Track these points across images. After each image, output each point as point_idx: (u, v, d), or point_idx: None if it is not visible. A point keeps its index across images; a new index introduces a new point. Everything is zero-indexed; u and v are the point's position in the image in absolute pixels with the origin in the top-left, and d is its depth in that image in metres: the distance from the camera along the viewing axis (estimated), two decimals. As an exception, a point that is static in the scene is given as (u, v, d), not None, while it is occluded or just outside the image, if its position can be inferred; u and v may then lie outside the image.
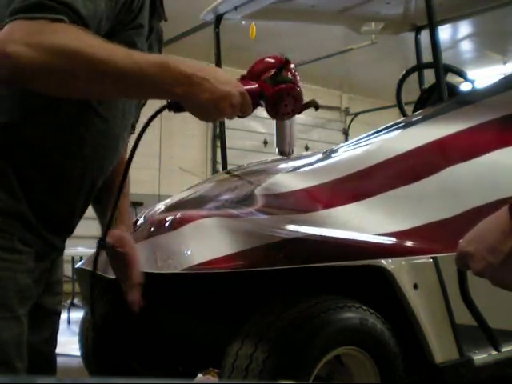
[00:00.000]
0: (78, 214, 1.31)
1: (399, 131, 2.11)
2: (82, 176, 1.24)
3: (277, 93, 1.19)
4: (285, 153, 1.35)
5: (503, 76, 2.18)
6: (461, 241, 0.97)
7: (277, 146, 1.35)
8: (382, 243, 1.71)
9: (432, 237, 1.75)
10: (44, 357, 1.38)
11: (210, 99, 1.07)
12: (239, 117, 1.18)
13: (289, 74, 1.22)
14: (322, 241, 1.70)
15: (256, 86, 1.19)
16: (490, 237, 0.91)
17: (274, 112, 1.22)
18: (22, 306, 1.15)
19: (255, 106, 1.19)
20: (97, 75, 1.00)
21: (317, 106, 1.28)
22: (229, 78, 1.13)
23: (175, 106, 1.15)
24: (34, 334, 1.25)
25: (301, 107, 1.24)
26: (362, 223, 1.76)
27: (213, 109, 1.08)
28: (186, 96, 1.06)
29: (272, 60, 1.25)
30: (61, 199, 1.23)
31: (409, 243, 1.73)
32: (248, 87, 1.16)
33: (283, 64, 1.21)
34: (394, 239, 1.72)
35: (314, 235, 1.71)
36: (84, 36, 0.99)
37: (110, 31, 1.13)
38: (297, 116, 1.31)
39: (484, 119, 1.96)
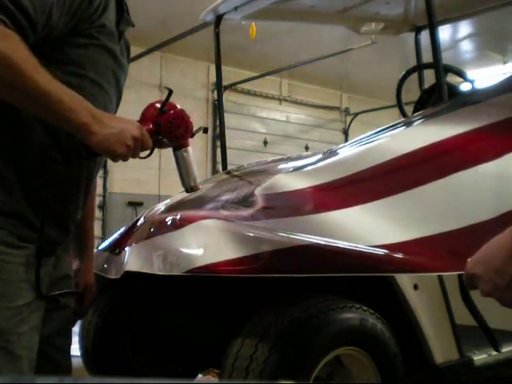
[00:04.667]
0: (80, 207, 1.38)
1: (402, 131, 2.10)
2: (80, 169, 1.32)
3: (170, 117, 1.35)
4: (193, 188, 1.48)
5: (507, 76, 2.14)
6: (468, 261, 0.97)
7: (182, 183, 1.49)
8: (389, 256, 1.68)
9: (436, 251, 1.71)
10: (58, 348, 1.45)
11: (113, 133, 1.17)
12: (142, 157, 1.31)
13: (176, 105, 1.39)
14: (327, 250, 1.68)
15: (151, 125, 1.33)
16: (495, 259, 0.92)
17: (171, 136, 1.38)
18: (21, 297, 1.20)
19: (156, 142, 1.34)
20: (18, 88, 1.08)
21: (205, 130, 1.48)
22: (126, 119, 1.25)
23: (84, 153, 1.24)
24: (46, 327, 1.30)
25: (192, 131, 1.42)
26: (364, 230, 1.73)
27: (116, 142, 1.18)
28: (90, 131, 1.15)
29: (157, 102, 1.39)
30: (64, 193, 1.30)
31: (414, 258, 1.68)
32: (145, 127, 1.29)
33: (168, 94, 1.36)
34: (399, 251, 1.68)
35: (318, 244, 1.68)
36: (20, 48, 1.07)
37: (73, 28, 1.21)
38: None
39: (489, 121, 1.92)
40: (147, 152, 1.33)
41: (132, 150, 1.22)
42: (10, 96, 1.11)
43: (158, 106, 1.37)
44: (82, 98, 1.16)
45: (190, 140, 1.46)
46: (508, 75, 2.14)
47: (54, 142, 1.25)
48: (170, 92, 1.36)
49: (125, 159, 1.24)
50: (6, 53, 1.04)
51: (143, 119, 1.35)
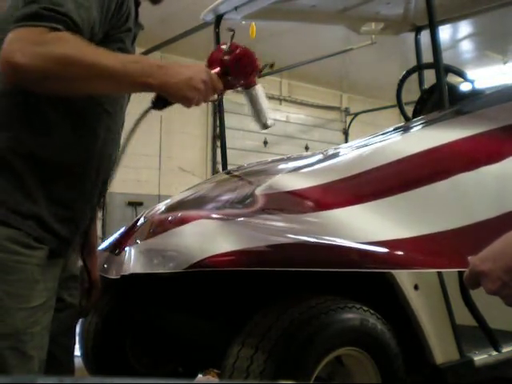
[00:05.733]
0: (94, 209, 1.38)
1: (405, 135, 2.10)
2: (98, 169, 1.34)
3: (236, 56, 1.39)
4: (265, 125, 1.52)
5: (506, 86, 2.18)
6: (471, 258, 0.96)
7: (255, 121, 1.53)
8: (387, 253, 1.68)
9: (437, 248, 1.72)
10: (63, 348, 1.47)
11: (182, 80, 1.24)
12: (213, 101, 1.38)
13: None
14: (324, 246, 1.68)
15: (218, 68, 1.37)
16: (505, 256, 0.90)
17: (239, 75, 1.41)
18: (36, 298, 1.22)
19: (226, 84, 1.38)
20: (91, 77, 1.15)
21: (272, 65, 1.52)
22: (193, 64, 1.33)
23: (158, 103, 1.31)
24: (52, 326, 1.30)
25: (259, 68, 1.45)
26: (364, 227, 1.73)
27: (187, 88, 1.25)
28: (160, 86, 1.22)
29: (222, 44, 1.45)
30: (80, 193, 1.32)
31: (413, 254, 1.69)
32: (212, 71, 1.34)
33: (232, 35, 1.42)
34: (398, 248, 1.69)
35: (316, 240, 1.69)
36: (78, 43, 1.13)
37: (105, 34, 1.26)
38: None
39: (490, 127, 1.94)
40: (216, 96, 1.38)
41: (203, 93, 1.28)
42: (86, 87, 1.18)
43: (223, 47, 1.42)
44: (145, 57, 1.23)
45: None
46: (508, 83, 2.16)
47: (73, 144, 1.26)
48: (233, 31, 1.44)
49: (197, 103, 1.30)
50: (68, 53, 1.10)
51: (210, 63, 1.40)
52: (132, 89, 1.25)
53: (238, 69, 1.40)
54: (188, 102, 1.27)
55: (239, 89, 1.50)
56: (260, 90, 1.49)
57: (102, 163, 1.35)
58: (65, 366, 1.47)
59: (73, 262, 1.49)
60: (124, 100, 1.42)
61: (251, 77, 1.44)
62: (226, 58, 1.39)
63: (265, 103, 1.51)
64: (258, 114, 1.51)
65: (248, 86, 1.47)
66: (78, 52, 1.12)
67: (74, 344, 1.54)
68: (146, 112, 1.34)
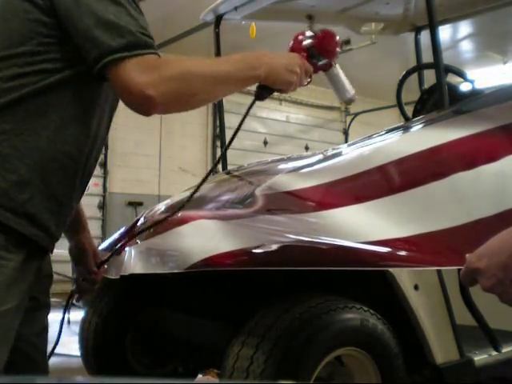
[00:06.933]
0: (76, 201, 1.38)
1: (405, 134, 2.11)
2: (85, 164, 1.32)
3: (321, 38, 1.52)
4: (350, 100, 1.62)
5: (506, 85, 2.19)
6: (468, 255, 0.96)
7: (340, 99, 1.64)
8: (386, 251, 1.69)
9: (436, 247, 1.72)
10: (38, 349, 1.44)
11: (282, 66, 1.36)
12: (306, 85, 1.47)
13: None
14: (324, 246, 1.68)
15: (305, 54, 1.50)
16: (502, 254, 0.90)
17: (325, 54, 1.53)
18: (10, 300, 1.19)
19: (314, 66, 1.50)
20: (212, 85, 1.25)
21: (348, 41, 1.55)
22: (285, 53, 1.46)
23: (261, 94, 1.43)
24: (27, 327, 1.29)
25: (339, 44, 1.56)
26: (364, 227, 1.74)
27: (287, 73, 1.37)
28: (266, 74, 1.33)
29: (299, 34, 1.57)
30: (70, 188, 1.30)
31: (412, 253, 1.70)
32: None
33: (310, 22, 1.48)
34: (398, 246, 1.69)
35: (316, 239, 1.69)
36: (181, 60, 1.23)
37: None
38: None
39: (488, 127, 1.95)
40: (308, 79, 1.48)
41: (299, 76, 1.39)
42: (210, 96, 1.29)
43: (308, 33, 1.54)
44: (241, 54, 1.33)
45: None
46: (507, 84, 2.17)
47: (68, 136, 1.24)
48: (310, 17, 1.54)
49: (294, 88, 1.41)
50: (185, 70, 1.19)
51: (293, 50, 1.53)
52: (245, 85, 1.34)
53: (324, 48, 1.52)
54: (289, 86, 1.38)
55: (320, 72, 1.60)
56: (339, 68, 1.60)
57: (89, 158, 1.33)
58: (40, 365, 1.44)
59: (48, 261, 1.47)
60: (115, 99, 1.39)
61: (335, 51, 1.55)
62: (309, 42, 1.51)
63: (345, 80, 1.62)
64: (341, 91, 1.61)
65: (327, 68, 1.58)
66: (192, 67, 1.21)
67: (47, 344, 1.50)
68: (252, 105, 1.46)
